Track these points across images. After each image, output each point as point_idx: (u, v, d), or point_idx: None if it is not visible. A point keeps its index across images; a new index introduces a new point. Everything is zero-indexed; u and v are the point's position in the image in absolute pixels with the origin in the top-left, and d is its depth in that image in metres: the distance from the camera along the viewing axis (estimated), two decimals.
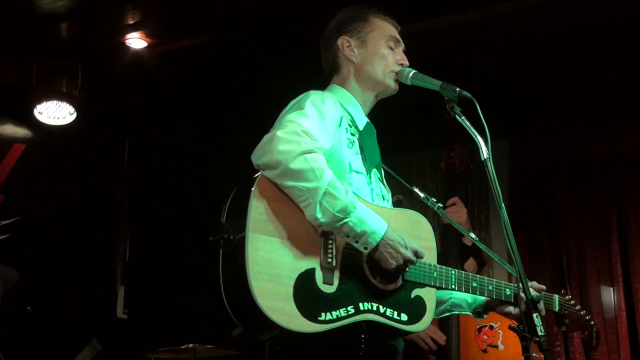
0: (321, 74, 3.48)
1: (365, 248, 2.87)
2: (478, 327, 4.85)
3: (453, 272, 3.15)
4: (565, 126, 6.88)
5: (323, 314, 2.80)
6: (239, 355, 6.09)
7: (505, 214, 2.87)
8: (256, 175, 2.87)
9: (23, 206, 6.97)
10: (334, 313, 2.82)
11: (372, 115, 3.41)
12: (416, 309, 3.04)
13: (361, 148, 3.22)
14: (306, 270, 2.82)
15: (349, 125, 3.22)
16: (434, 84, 3.19)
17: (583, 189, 6.85)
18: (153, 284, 7.40)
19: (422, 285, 3.06)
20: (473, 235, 3.55)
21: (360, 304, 2.89)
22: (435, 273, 3.09)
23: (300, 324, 2.75)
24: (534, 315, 2.80)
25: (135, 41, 6.36)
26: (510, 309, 3.30)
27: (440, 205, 3.52)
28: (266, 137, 2.89)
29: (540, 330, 2.77)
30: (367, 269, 2.95)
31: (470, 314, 3.41)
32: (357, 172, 3.14)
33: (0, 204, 6.92)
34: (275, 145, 2.81)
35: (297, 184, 2.80)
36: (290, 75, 5.27)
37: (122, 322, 7.48)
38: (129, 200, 7.82)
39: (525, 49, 6.27)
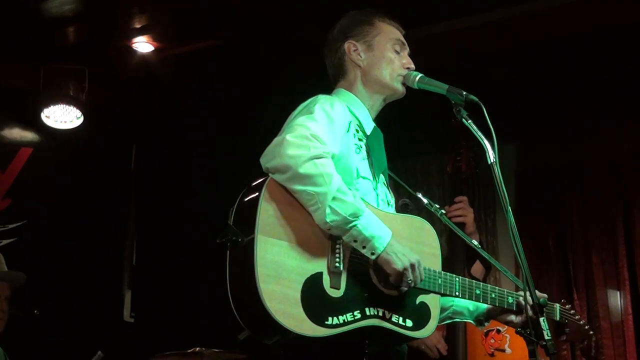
0: (328, 78, 3.49)
1: (372, 254, 2.87)
2: (485, 330, 4.85)
3: (457, 279, 3.15)
4: (571, 130, 6.86)
5: (330, 318, 2.80)
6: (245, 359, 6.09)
7: (512, 218, 2.87)
8: (265, 178, 2.87)
9: (30, 210, 6.98)
10: (340, 317, 2.82)
11: (379, 118, 3.41)
12: (421, 315, 3.04)
13: (368, 153, 3.23)
14: (314, 274, 2.82)
15: (357, 130, 3.22)
16: (440, 87, 3.19)
17: (589, 193, 6.83)
18: (160, 288, 7.40)
19: (427, 292, 3.06)
20: (475, 242, 3.55)
21: (367, 309, 2.90)
22: (439, 280, 3.09)
23: (307, 327, 2.75)
24: (541, 319, 2.80)
25: (142, 45, 6.38)
26: (512, 317, 3.30)
27: (444, 211, 3.51)
28: (275, 140, 2.90)
29: (547, 335, 2.77)
30: (373, 274, 2.95)
31: (472, 321, 3.41)
32: (363, 177, 3.15)
33: (7, 207, 6.94)
34: (285, 149, 2.82)
35: (306, 188, 2.80)
36: (298, 79, 5.28)
37: (129, 326, 7.48)
38: (135, 204, 7.83)
39: (531, 52, 6.26)
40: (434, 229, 3.19)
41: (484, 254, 3.54)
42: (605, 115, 6.69)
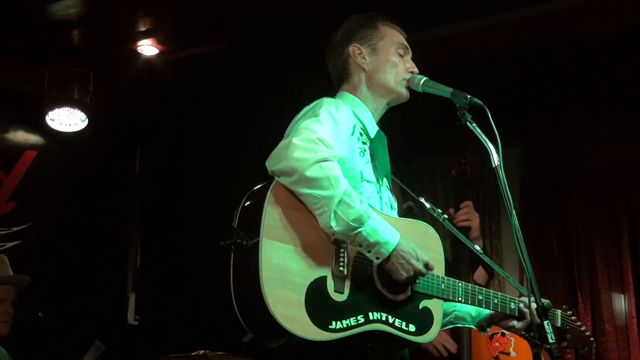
0: (330, 81, 3.49)
1: (378, 258, 2.87)
2: (490, 334, 4.84)
3: (460, 284, 3.14)
4: (576, 133, 6.86)
5: (334, 323, 2.80)
6: None
7: (516, 221, 2.86)
8: (270, 181, 2.86)
9: (34, 213, 6.99)
10: (344, 322, 2.82)
11: (383, 121, 3.41)
12: (424, 320, 3.03)
13: (372, 156, 3.22)
14: (318, 278, 2.82)
15: (361, 133, 3.22)
16: (445, 91, 3.18)
17: (594, 196, 6.83)
18: (164, 291, 7.40)
19: (430, 297, 3.05)
20: (478, 248, 3.55)
21: (370, 314, 2.90)
22: (443, 285, 3.09)
23: (311, 331, 2.75)
24: (545, 322, 2.80)
25: (147, 48, 6.39)
26: (514, 322, 3.30)
27: (446, 216, 3.51)
28: (282, 143, 2.90)
29: (551, 338, 2.77)
30: (377, 279, 2.95)
31: (474, 327, 3.41)
32: (368, 181, 3.14)
33: (11, 210, 6.95)
34: (292, 152, 2.81)
35: (312, 191, 2.80)
36: (301, 82, 5.28)
37: (133, 329, 7.49)
38: (140, 207, 7.84)
39: (535, 55, 6.26)
40: (438, 233, 3.20)
41: (487, 260, 3.53)
42: (610, 118, 6.69)
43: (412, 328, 2.99)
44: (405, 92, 3.34)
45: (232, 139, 7.17)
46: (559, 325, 3.47)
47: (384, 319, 2.92)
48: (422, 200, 3.50)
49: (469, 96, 3.08)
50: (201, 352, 5.88)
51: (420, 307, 3.03)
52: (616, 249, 6.65)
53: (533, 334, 2.84)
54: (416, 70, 3.36)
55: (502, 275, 3.48)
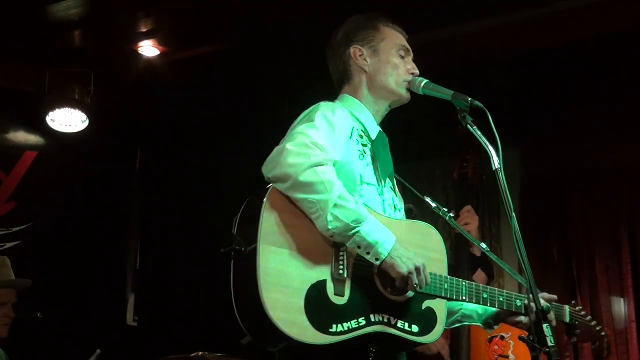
0: (332, 83, 3.48)
1: (377, 259, 2.87)
2: (489, 337, 4.84)
3: (464, 283, 3.14)
4: (576, 136, 6.86)
5: (334, 326, 2.80)
6: None
7: (516, 224, 2.86)
8: (267, 187, 2.87)
9: (34, 213, 6.99)
10: (345, 325, 2.83)
11: (383, 124, 3.41)
12: (427, 321, 3.03)
13: (374, 158, 3.22)
14: (317, 282, 2.83)
15: (361, 136, 3.21)
16: (446, 93, 3.18)
17: (594, 199, 6.83)
18: (163, 292, 7.40)
19: (433, 297, 3.05)
20: (484, 246, 3.54)
21: (372, 316, 2.90)
22: (446, 285, 3.08)
23: (311, 335, 2.76)
24: (544, 325, 2.79)
25: (148, 49, 6.39)
26: (522, 319, 3.29)
27: (452, 215, 3.51)
28: (276, 149, 2.91)
29: (551, 341, 2.76)
30: (378, 281, 2.95)
31: (481, 325, 3.40)
32: (367, 184, 3.14)
33: (11, 211, 6.94)
34: (286, 158, 2.83)
35: (307, 196, 2.81)
36: (302, 83, 5.28)
37: (132, 330, 7.48)
38: (140, 208, 7.83)
39: (537, 58, 6.26)
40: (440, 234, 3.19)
41: (494, 258, 3.53)
42: (610, 120, 6.69)
43: (415, 329, 2.99)
44: (406, 94, 3.34)
45: (232, 140, 7.17)
46: (568, 321, 3.48)
47: (386, 320, 2.92)
48: (428, 200, 3.50)
49: (469, 99, 3.07)
50: (200, 353, 5.87)
51: (424, 307, 3.03)
52: (616, 252, 6.65)
53: (532, 338, 2.83)
54: (417, 72, 3.36)
55: (506, 271, 3.47)
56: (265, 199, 2.83)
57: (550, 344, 2.75)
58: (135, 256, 7.74)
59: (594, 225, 6.80)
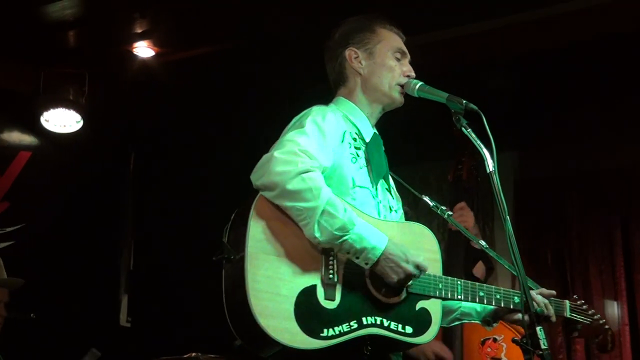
0: (329, 84, 3.48)
1: (367, 264, 2.89)
2: (482, 339, 4.84)
3: (459, 282, 3.14)
4: (571, 139, 6.86)
5: (325, 330, 2.82)
6: None
7: (510, 227, 2.86)
8: (255, 196, 2.89)
9: (28, 213, 6.97)
10: (336, 329, 2.84)
11: (378, 126, 3.41)
12: (421, 321, 3.04)
13: (367, 160, 3.22)
14: (307, 287, 2.84)
15: (354, 138, 3.22)
16: (440, 96, 3.18)
17: (588, 203, 6.83)
18: (157, 293, 7.39)
19: (427, 297, 3.06)
20: (483, 243, 3.55)
21: (364, 319, 2.91)
22: (440, 284, 3.09)
23: (301, 340, 2.77)
24: (537, 328, 2.80)
25: (143, 50, 6.38)
26: (520, 316, 3.28)
27: (450, 213, 3.52)
28: (264, 157, 2.93)
29: (544, 344, 2.76)
30: (370, 284, 2.95)
31: (480, 322, 3.41)
32: (360, 187, 3.15)
33: (5, 211, 6.92)
34: (273, 166, 2.85)
35: (295, 204, 2.83)
36: (300, 83, 5.28)
37: (125, 331, 7.47)
38: (133, 209, 7.82)
39: (532, 60, 6.27)
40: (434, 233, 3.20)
41: (492, 253, 3.54)
42: (605, 125, 6.69)
43: (409, 330, 2.99)
44: (399, 97, 3.34)
45: (227, 142, 7.16)
46: (568, 315, 3.49)
47: (378, 322, 2.93)
48: (426, 198, 3.51)
49: (464, 101, 3.08)
50: (193, 354, 5.87)
51: (417, 308, 3.04)
52: (610, 255, 6.65)
53: (525, 340, 2.84)
54: (413, 74, 3.36)
55: (505, 267, 3.47)
56: (252, 207, 2.85)
57: (543, 347, 2.76)
58: (129, 257, 7.73)
59: (587, 228, 6.80)
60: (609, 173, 6.77)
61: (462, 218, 4.91)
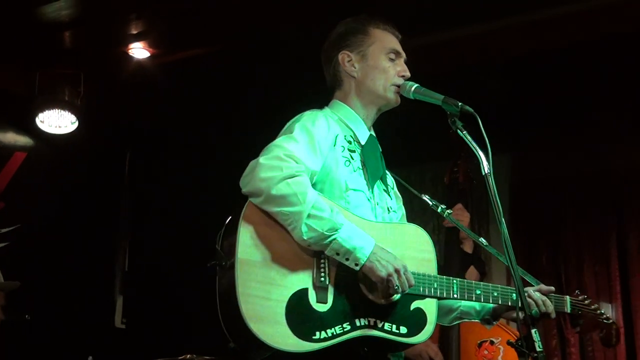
0: (324, 87, 3.48)
1: (357, 265, 2.89)
2: (478, 342, 4.84)
3: (455, 281, 3.14)
4: (567, 142, 6.87)
5: (317, 333, 2.83)
6: None
7: (505, 229, 2.86)
8: (244, 203, 2.92)
9: (23, 214, 6.95)
10: (328, 331, 2.85)
11: (376, 127, 3.41)
12: (416, 321, 3.04)
13: (363, 163, 3.23)
14: (298, 291, 2.86)
15: (349, 142, 3.23)
16: (436, 98, 3.18)
17: (584, 205, 6.84)
18: (151, 294, 7.38)
19: (422, 297, 3.06)
20: (483, 240, 3.55)
21: (357, 320, 2.91)
22: (435, 284, 3.09)
23: (293, 344, 2.79)
24: (532, 330, 2.80)
25: (139, 51, 6.37)
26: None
27: (450, 211, 3.52)
28: (251, 164, 2.96)
29: (539, 346, 2.76)
30: (362, 285, 2.96)
31: (480, 321, 3.41)
32: (354, 189, 3.15)
33: (0, 211, 6.91)
34: (258, 173, 2.88)
35: (281, 209, 2.85)
36: (296, 85, 5.28)
37: (120, 332, 7.46)
38: (128, 210, 7.82)
39: (527, 64, 6.27)
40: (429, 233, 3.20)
41: (492, 251, 3.54)
42: (600, 127, 6.69)
43: (403, 330, 2.99)
44: (394, 98, 3.34)
45: (223, 143, 7.15)
46: (569, 311, 3.49)
47: (372, 323, 2.93)
48: (426, 198, 3.52)
49: (460, 104, 3.07)
50: (188, 356, 5.86)
51: (412, 308, 3.04)
52: (604, 257, 6.66)
53: (521, 343, 2.83)
54: (408, 74, 3.35)
55: (506, 265, 3.46)
56: (241, 214, 2.88)
57: (538, 349, 2.76)
58: (124, 258, 7.72)
59: (582, 231, 6.81)
60: (604, 175, 6.77)
61: (458, 219, 4.91)
